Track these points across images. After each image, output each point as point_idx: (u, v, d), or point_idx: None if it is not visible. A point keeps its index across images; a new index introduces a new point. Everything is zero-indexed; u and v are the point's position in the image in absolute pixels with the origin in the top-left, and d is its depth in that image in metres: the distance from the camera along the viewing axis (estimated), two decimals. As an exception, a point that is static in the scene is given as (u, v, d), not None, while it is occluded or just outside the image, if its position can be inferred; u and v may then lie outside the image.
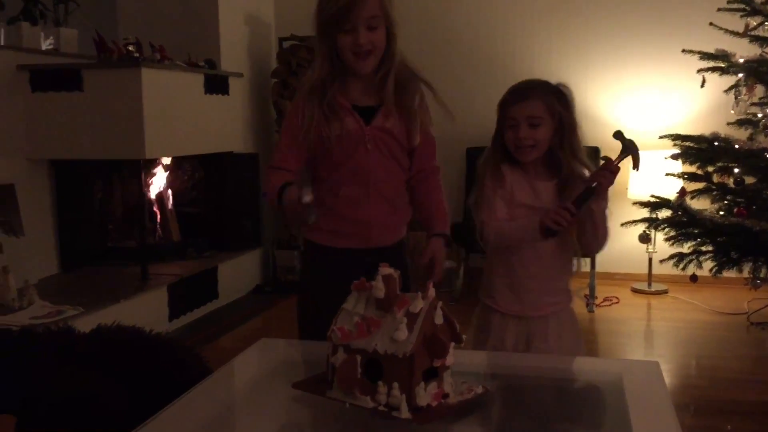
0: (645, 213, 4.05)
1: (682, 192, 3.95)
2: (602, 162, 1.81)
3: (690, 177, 3.98)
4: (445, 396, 1.23)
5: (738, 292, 4.23)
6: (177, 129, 3.76)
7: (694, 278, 3.93)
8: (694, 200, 3.96)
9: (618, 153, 1.84)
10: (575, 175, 1.83)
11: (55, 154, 3.69)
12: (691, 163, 3.91)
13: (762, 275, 3.70)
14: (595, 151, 4.38)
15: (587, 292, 4.26)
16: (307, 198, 1.55)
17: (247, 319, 4.02)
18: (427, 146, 1.85)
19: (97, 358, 1.63)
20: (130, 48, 3.70)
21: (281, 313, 4.07)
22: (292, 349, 1.68)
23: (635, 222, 4.03)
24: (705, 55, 3.85)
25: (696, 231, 3.81)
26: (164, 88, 3.66)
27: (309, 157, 1.80)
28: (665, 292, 4.51)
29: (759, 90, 3.83)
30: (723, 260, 3.75)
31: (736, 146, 3.71)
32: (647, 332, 4.03)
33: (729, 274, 3.81)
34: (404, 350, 1.15)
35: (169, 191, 4.32)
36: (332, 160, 1.77)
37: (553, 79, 1.88)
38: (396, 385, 1.15)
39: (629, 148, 1.85)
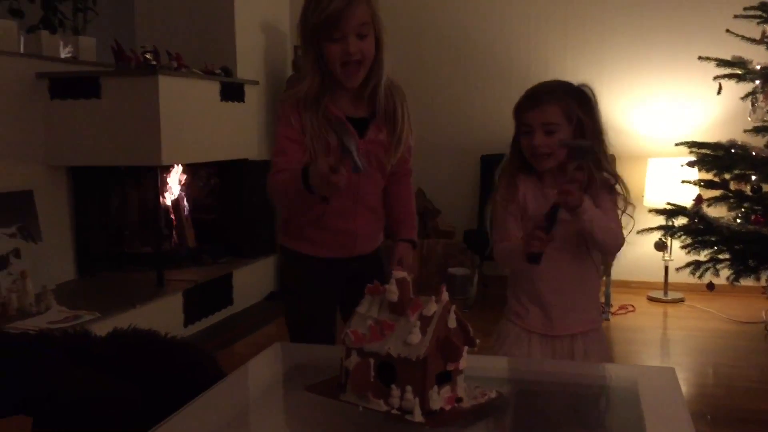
0: (661, 220, 4.03)
1: (699, 199, 3.92)
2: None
3: (707, 184, 3.95)
4: (459, 400, 1.23)
5: (755, 300, 4.19)
6: (193, 136, 3.78)
7: (710, 286, 3.90)
8: (711, 208, 3.94)
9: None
10: (598, 185, 1.73)
11: (73, 161, 3.73)
12: (708, 171, 3.89)
13: (780, 283, 3.68)
14: (611, 159, 4.37)
15: (603, 300, 4.24)
16: (349, 143, 1.48)
17: (261, 325, 4.03)
18: (404, 150, 1.82)
19: (113, 360, 1.65)
20: (148, 56, 3.73)
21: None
22: (306, 353, 1.68)
23: (651, 229, 4.01)
24: (721, 62, 3.83)
25: (713, 239, 3.78)
26: (181, 96, 3.69)
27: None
28: (682, 300, 4.47)
29: (776, 97, 3.81)
30: (740, 268, 3.72)
31: (753, 153, 3.68)
32: (663, 341, 4.00)
33: (746, 282, 3.78)
34: (417, 353, 1.15)
35: (185, 198, 4.34)
36: None
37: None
38: (409, 388, 1.15)
39: (574, 149, 1.67)
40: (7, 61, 3.47)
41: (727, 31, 3.81)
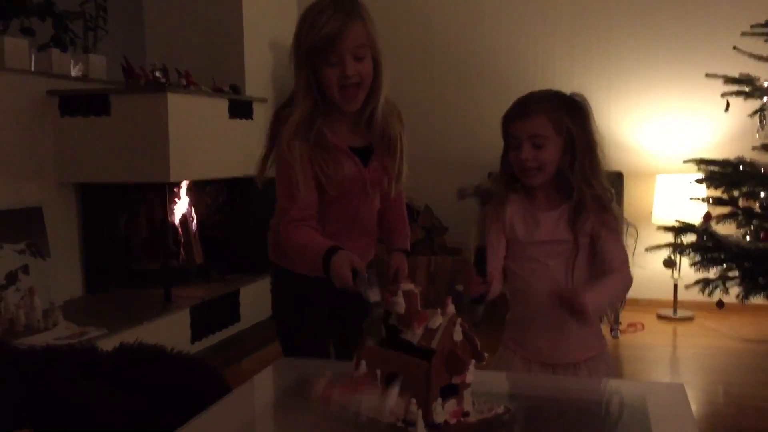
0: (670, 237, 4.02)
1: (707, 216, 3.91)
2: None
3: (715, 201, 3.94)
4: (465, 414, 1.22)
5: (766, 318, 4.16)
6: (201, 153, 3.80)
7: (720, 304, 3.87)
8: (720, 225, 3.92)
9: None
10: (588, 202, 1.61)
11: (82, 178, 3.75)
12: (717, 188, 3.88)
13: (791, 301, 3.65)
14: (618, 177, 4.37)
15: (612, 317, 4.21)
16: (376, 298, 1.41)
17: (268, 342, 4.01)
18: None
19: (119, 374, 1.64)
20: (157, 73, 3.76)
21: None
22: (312, 368, 1.67)
23: (660, 247, 3.99)
24: (729, 79, 3.83)
25: (722, 256, 3.77)
26: (189, 113, 3.72)
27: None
28: (691, 318, 4.44)
29: (784, 114, 3.81)
30: (750, 286, 3.70)
31: (762, 170, 3.67)
32: (673, 359, 3.96)
33: (756, 300, 3.76)
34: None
35: (193, 214, 4.36)
36: (323, 199, 1.68)
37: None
38: (413, 400, 1.14)
39: (457, 299, 1.41)
40: (19, 78, 3.50)
41: (735, 48, 3.82)
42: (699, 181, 3.94)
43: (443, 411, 1.17)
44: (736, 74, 3.84)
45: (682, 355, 4.00)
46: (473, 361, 1.23)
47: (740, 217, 3.88)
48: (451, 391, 1.20)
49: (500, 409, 1.27)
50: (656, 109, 4.68)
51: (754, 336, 4.05)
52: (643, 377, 3.56)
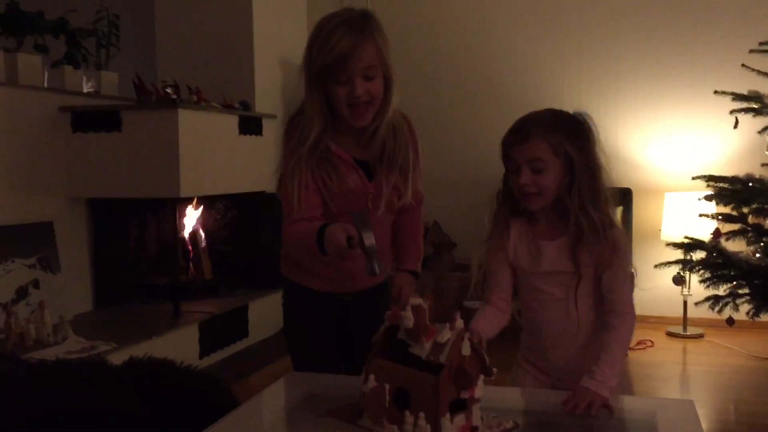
0: (679, 254, 4.00)
1: (717, 233, 3.89)
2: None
3: (725, 218, 3.93)
4: (474, 429, 1.23)
5: (777, 336, 4.13)
6: (211, 168, 3.83)
7: (730, 321, 3.85)
8: (729, 242, 3.90)
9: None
10: (586, 232, 1.55)
11: (93, 193, 3.77)
12: (726, 205, 3.86)
13: (801, 319, 3.62)
14: (626, 193, 4.36)
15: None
16: (370, 240, 1.41)
17: (276, 357, 4.01)
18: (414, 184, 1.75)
19: (129, 387, 1.65)
20: (168, 90, 3.80)
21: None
22: (320, 382, 1.68)
23: (669, 264, 3.98)
24: (738, 97, 3.83)
25: (732, 273, 3.74)
26: (200, 129, 3.74)
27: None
28: (701, 336, 4.41)
29: (793, 131, 3.80)
30: (760, 303, 3.67)
31: (771, 187, 3.66)
32: (683, 376, 3.94)
33: (767, 317, 3.73)
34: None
35: (203, 230, 4.37)
36: (328, 211, 1.69)
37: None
38: (422, 415, 1.14)
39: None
40: (32, 94, 3.54)
41: (743, 65, 3.82)
42: (708, 197, 3.92)
43: (452, 426, 1.17)
44: (744, 91, 3.83)
45: (692, 373, 3.97)
46: (482, 376, 1.24)
47: (750, 235, 3.86)
48: (460, 406, 1.20)
49: (509, 424, 1.27)
50: (665, 126, 4.68)
51: (764, 353, 4.02)
52: (653, 395, 3.54)
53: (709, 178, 3.88)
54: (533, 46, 4.90)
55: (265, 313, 4.38)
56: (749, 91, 3.83)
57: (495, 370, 1.27)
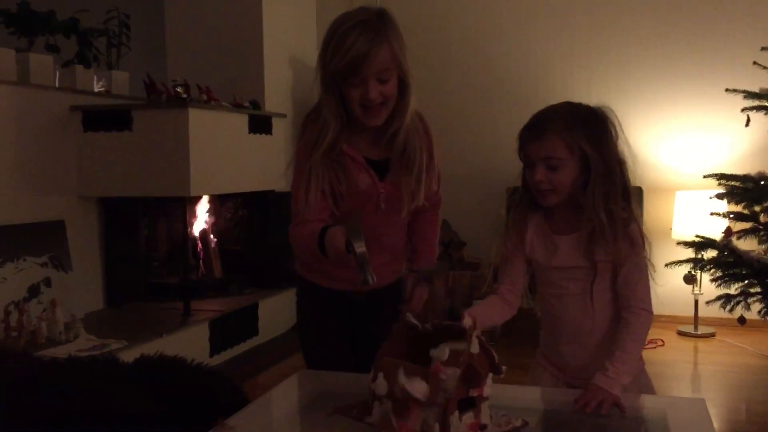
0: (690, 253, 3.98)
1: (728, 232, 3.87)
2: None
3: (736, 216, 3.91)
4: (483, 427, 1.22)
5: (789, 335, 4.10)
6: (221, 167, 3.84)
7: (742, 320, 3.83)
8: (741, 240, 3.88)
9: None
10: (599, 230, 1.53)
11: (104, 192, 3.80)
12: (737, 203, 3.84)
13: (814, 318, 3.60)
14: (637, 191, 4.34)
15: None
16: (360, 249, 1.41)
17: (286, 356, 4.03)
18: (430, 185, 1.74)
19: (140, 385, 1.66)
20: (179, 89, 3.82)
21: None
22: (330, 381, 1.68)
23: (680, 262, 3.96)
24: (749, 94, 3.81)
25: (743, 272, 3.73)
26: (210, 128, 3.76)
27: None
28: (712, 335, 4.39)
29: (806, 129, 3.78)
30: (772, 302, 3.65)
31: (784, 185, 3.64)
32: (694, 376, 3.92)
33: (779, 316, 3.71)
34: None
35: (213, 228, 4.39)
36: (339, 211, 1.68)
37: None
38: (431, 412, 1.14)
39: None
40: (43, 94, 3.57)
41: (755, 63, 3.80)
42: (719, 196, 3.91)
43: (461, 424, 1.17)
44: (756, 89, 3.81)
45: (703, 372, 3.95)
46: (490, 374, 1.24)
47: (761, 233, 3.84)
48: (469, 404, 1.20)
49: (518, 422, 1.27)
50: (676, 124, 4.66)
51: (776, 353, 4.00)
52: (664, 393, 3.52)
53: (721, 177, 3.86)
54: (544, 45, 4.89)
55: (275, 312, 4.39)
56: (761, 89, 3.81)
57: (504, 368, 1.26)
